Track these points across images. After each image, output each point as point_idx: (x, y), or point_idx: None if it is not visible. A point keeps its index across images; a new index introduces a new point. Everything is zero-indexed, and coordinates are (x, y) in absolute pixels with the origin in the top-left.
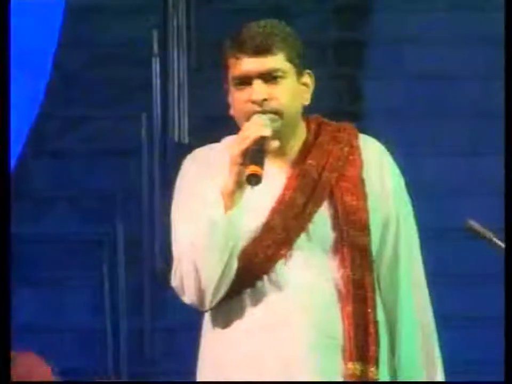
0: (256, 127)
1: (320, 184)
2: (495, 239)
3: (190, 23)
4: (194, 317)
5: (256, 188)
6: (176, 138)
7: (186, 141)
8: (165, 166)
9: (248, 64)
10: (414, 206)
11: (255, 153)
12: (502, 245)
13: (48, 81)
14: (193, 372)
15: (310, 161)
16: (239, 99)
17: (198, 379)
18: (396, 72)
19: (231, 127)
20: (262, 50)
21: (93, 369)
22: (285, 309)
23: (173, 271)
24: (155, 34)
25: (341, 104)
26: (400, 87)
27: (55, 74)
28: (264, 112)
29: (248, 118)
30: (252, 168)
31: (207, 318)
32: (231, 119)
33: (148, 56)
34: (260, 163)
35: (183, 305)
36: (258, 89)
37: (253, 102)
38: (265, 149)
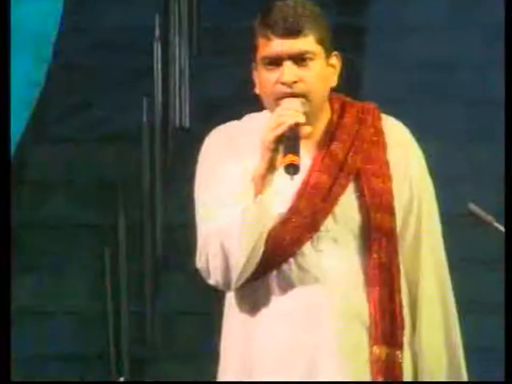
0: (291, 113)
1: (346, 166)
2: (496, 224)
3: (192, 9)
4: (195, 302)
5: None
6: (177, 123)
7: (187, 125)
8: (166, 150)
9: (279, 45)
10: None
11: (290, 141)
12: (503, 229)
13: (49, 67)
14: (193, 355)
15: (335, 143)
16: (268, 79)
17: (222, 360)
18: (396, 59)
19: (232, 111)
20: (293, 32)
21: (94, 353)
22: (311, 292)
23: (198, 253)
24: (157, 20)
25: (340, 90)
26: (400, 74)
27: (56, 60)
28: (293, 94)
29: (276, 99)
30: (290, 158)
31: (230, 300)
32: (231, 103)
33: (150, 42)
34: (297, 151)
35: (184, 290)
36: (288, 71)
37: (283, 84)
38: (299, 136)
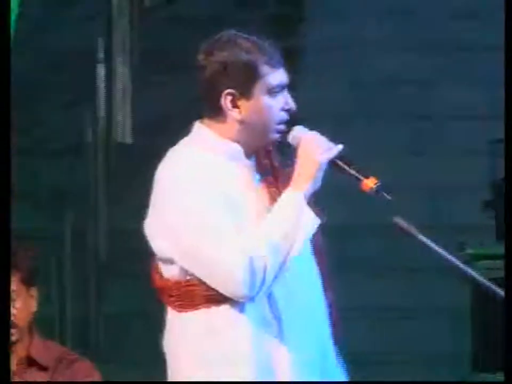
0: (325, 140)
1: (287, 180)
2: (420, 236)
3: (133, 31)
4: (137, 305)
5: (240, 191)
6: (119, 139)
7: (129, 141)
8: (110, 164)
9: (282, 74)
10: (352, 204)
11: (356, 165)
12: (427, 240)
13: None
14: (136, 356)
15: (274, 160)
16: (271, 106)
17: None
18: (332, 77)
19: (172, 128)
20: (283, 63)
21: None
22: (287, 307)
23: (243, 270)
24: (100, 41)
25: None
26: (335, 92)
27: None
28: (287, 121)
29: (277, 125)
30: (374, 180)
31: (191, 320)
32: (171, 120)
33: (94, 62)
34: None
35: (127, 294)
36: (291, 98)
37: (286, 110)
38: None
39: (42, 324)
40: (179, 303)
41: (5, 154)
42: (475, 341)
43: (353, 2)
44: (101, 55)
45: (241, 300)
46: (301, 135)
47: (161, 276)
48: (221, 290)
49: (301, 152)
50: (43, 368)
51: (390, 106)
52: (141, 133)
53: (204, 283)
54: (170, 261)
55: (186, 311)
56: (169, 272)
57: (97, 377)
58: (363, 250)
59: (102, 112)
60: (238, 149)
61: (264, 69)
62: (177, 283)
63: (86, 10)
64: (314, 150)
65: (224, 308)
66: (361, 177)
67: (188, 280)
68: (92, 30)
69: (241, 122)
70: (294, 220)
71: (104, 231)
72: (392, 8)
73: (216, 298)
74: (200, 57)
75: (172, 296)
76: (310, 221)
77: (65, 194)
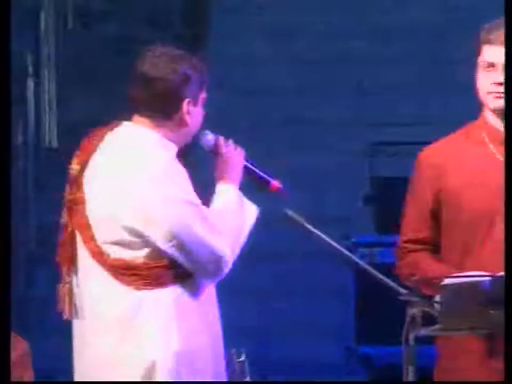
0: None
1: None
2: (309, 226)
3: (59, 48)
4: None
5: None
6: (47, 143)
7: (55, 145)
8: (38, 165)
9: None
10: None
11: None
12: (315, 230)
13: None
14: (60, 330)
15: None
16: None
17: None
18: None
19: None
20: None
21: None
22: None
23: (224, 251)
24: (29, 56)
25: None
26: (228, 101)
27: None
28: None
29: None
30: (277, 181)
31: (155, 297)
32: (92, 127)
33: (24, 75)
34: None
35: (50, 281)
36: None
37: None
38: None
39: None
40: (144, 281)
41: (5, 154)
42: (358, 317)
43: (244, 24)
44: (30, 69)
45: (216, 279)
46: (214, 139)
47: (108, 256)
48: (204, 270)
49: (222, 155)
50: None
51: (276, 112)
52: (65, 138)
53: (176, 264)
54: (139, 246)
55: (151, 289)
56: (133, 254)
57: (26, 348)
58: (260, 239)
59: (31, 119)
60: (176, 149)
61: (206, 81)
62: (146, 263)
63: (17, 30)
64: (233, 153)
65: (189, 286)
66: (270, 179)
67: (158, 261)
68: (23, 47)
69: (187, 126)
70: (239, 210)
71: (33, 224)
72: (275, 30)
73: (182, 278)
74: (156, 70)
75: (134, 275)
76: (252, 211)
77: None
